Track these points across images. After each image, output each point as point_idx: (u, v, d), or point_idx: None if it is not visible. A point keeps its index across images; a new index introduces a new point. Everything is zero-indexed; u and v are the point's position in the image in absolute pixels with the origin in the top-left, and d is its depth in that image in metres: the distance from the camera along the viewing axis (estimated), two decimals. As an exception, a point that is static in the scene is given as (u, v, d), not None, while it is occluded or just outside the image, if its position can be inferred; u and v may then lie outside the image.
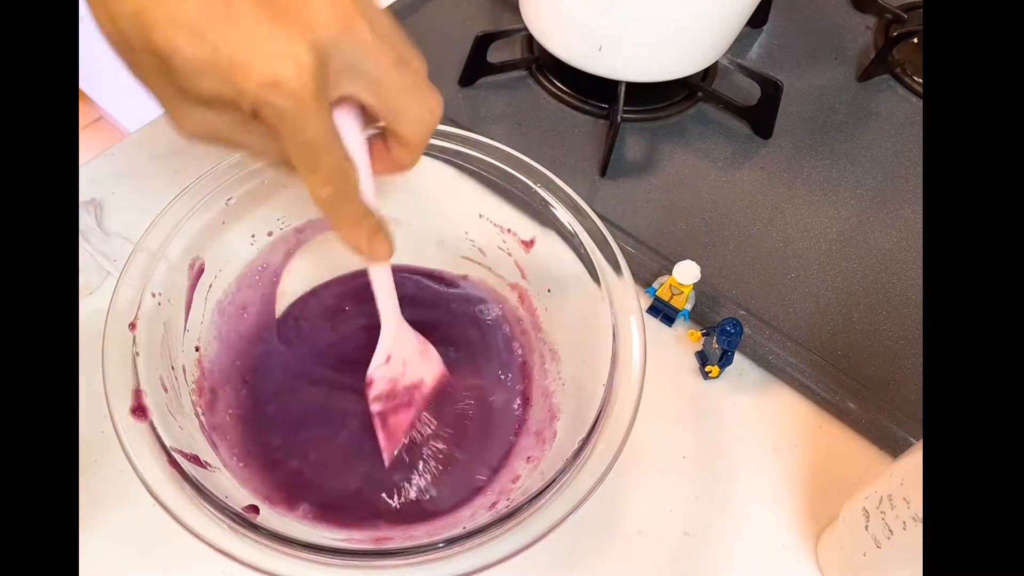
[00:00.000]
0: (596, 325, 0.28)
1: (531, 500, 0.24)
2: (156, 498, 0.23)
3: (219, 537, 0.22)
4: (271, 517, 0.26)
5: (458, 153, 0.31)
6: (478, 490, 0.28)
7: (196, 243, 0.29)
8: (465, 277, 0.34)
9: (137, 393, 0.24)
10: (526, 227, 0.32)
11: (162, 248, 0.28)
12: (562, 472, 0.24)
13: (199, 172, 0.40)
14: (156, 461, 0.24)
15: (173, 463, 0.23)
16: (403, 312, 0.29)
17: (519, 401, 0.31)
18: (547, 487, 0.24)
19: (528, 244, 0.32)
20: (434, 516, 0.28)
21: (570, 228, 0.30)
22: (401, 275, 0.34)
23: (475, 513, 0.27)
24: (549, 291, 0.32)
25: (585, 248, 0.29)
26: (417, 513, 0.28)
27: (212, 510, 0.23)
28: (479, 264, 0.34)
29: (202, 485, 0.23)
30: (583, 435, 0.25)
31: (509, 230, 0.32)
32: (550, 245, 0.31)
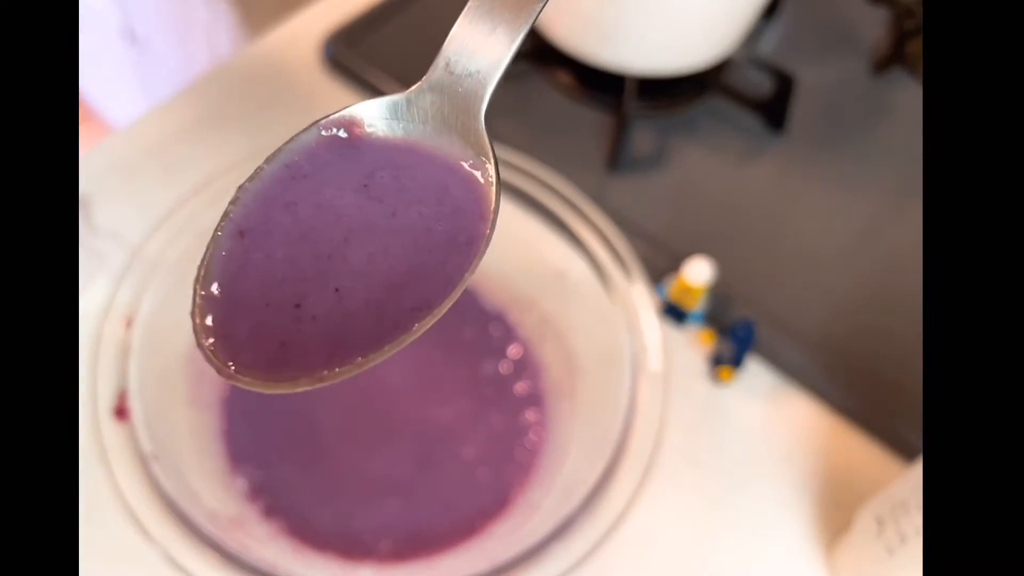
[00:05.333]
0: (611, 341, 0.27)
1: (564, 524, 0.23)
2: (125, 503, 0.22)
3: (183, 556, 0.22)
4: (252, 537, 0.25)
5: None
6: (492, 516, 0.28)
7: (195, 248, 0.28)
8: (481, 281, 0.33)
9: (122, 394, 0.24)
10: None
11: (160, 252, 0.27)
12: (587, 500, 0.24)
13: (189, 167, 0.39)
14: (133, 467, 0.23)
15: (148, 470, 0.23)
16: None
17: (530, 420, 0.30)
18: (572, 516, 0.23)
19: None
20: (437, 547, 0.27)
21: (578, 233, 0.29)
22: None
23: (492, 537, 0.27)
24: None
25: (596, 256, 0.28)
26: (415, 545, 0.27)
27: (184, 525, 0.22)
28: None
29: (171, 496, 0.22)
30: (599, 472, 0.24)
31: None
32: (559, 252, 0.30)
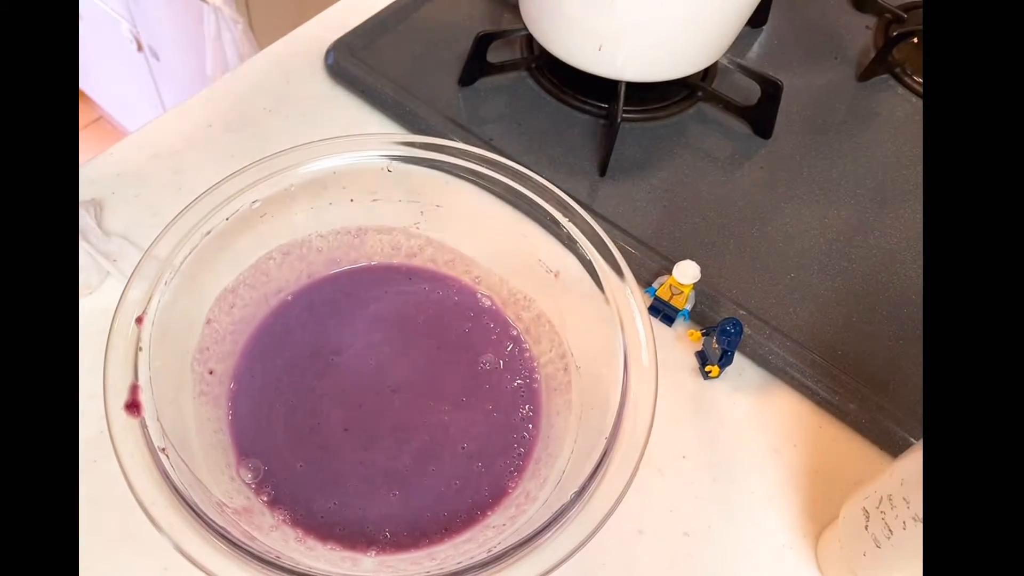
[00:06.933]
0: (603, 338, 0.28)
1: (553, 519, 0.24)
2: (135, 495, 0.23)
3: (192, 546, 0.22)
4: (258, 527, 0.25)
5: (457, 166, 0.31)
6: (489, 507, 0.28)
7: (205, 247, 0.29)
8: (478, 279, 0.34)
9: (133, 389, 0.24)
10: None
11: (170, 253, 0.27)
12: (582, 490, 0.24)
13: (198, 172, 0.40)
14: (143, 460, 0.24)
15: (158, 463, 0.23)
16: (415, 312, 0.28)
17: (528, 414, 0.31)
18: (567, 506, 0.24)
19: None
20: (436, 537, 0.28)
21: (571, 234, 0.30)
22: (417, 281, 0.34)
23: (488, 527, 0.27)
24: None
25: (589, 257, 0.29)
26: (415, 535, 0.28)
27: (193, 516, 0.23)
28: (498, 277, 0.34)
29: (180, 488, 0.23)
30: (596, 458, 0.25)
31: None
32: (553, 253, 0.31)
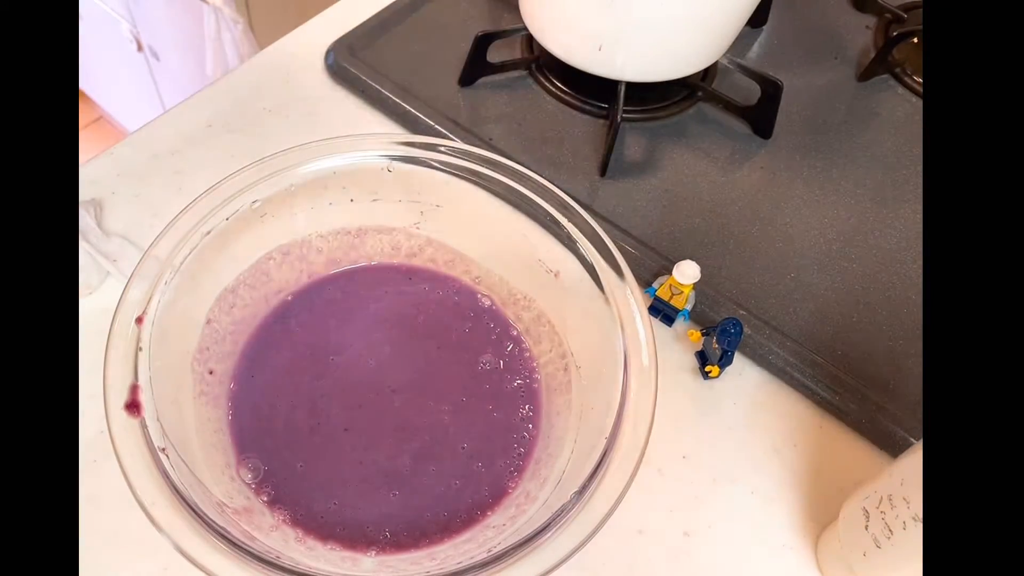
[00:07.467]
0: (603, 338, 0.28)
1: (555, 517, 0.24)
2: (135, 495, 0.23)
3: (192, 546, 0.22)
4: (258, 527, 0.25)
5: (461, 167, 0.31)
6: (489, 507, 0.28)
7: (205, 247, 0.29)
8: (478, 279, 0.34)
9: (133, 389, 0.24)
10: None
11: (170, 252, 0.27)
12: (582, 490, 0.24)
13: (198, 171, 0.40)
14: (143, 460, 0.24)
15: (158, 463, 0.23)
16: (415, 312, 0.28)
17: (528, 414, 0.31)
18: (567, 506, 0.24)
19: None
20: (436, 537, 0.28)
21: (571, 234, 0.30)
22: (417, 281, 0.34)
23: (488, 527, 0.27)
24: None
25: (589, 257, 0.29)
26: (415, 535, 0.28)
27: (193, 516, 0.23)
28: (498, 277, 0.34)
29: (180, 488, 0.23)
30: (596, 459, 0.25)
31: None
32: (553, 253, 0.31)
